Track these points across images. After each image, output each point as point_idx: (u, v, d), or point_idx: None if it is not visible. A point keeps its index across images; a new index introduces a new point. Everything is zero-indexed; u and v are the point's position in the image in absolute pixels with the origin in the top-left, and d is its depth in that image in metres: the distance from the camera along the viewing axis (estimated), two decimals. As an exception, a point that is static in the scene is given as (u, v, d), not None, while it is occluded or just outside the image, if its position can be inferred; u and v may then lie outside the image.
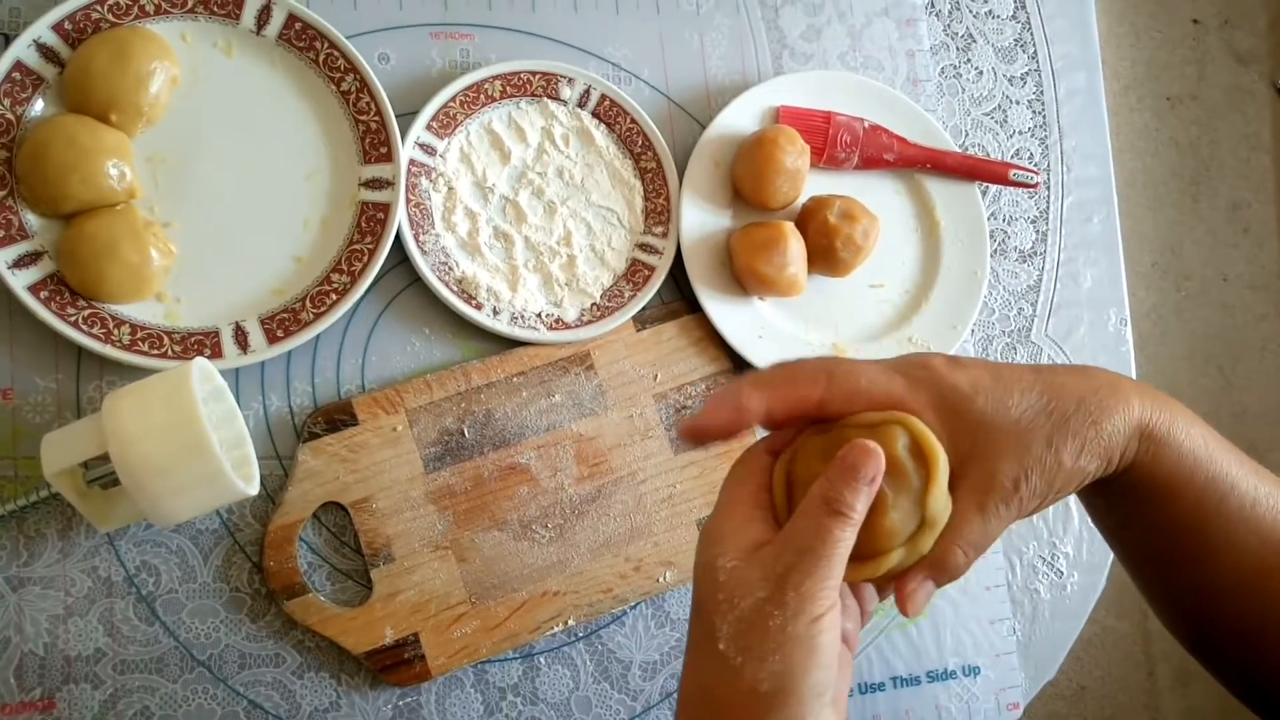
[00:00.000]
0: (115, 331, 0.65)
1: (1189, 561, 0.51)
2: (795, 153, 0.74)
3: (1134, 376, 0.86)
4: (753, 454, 0.49)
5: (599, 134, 0.76)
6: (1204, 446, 0.49)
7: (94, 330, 0.65)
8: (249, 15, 0.70)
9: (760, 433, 0.50)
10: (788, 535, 0.43)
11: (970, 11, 0.87)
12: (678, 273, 0.76)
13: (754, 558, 0.43)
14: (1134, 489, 0.49)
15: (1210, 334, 1.63)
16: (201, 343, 0.67)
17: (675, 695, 0.73)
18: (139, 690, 0.65)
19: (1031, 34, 0.88)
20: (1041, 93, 0.87)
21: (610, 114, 0.76)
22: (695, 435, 0.48)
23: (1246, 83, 1.65)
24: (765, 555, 0.43)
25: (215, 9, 0.69)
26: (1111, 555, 0.82)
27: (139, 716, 0.65)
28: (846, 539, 0.43)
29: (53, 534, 0.65)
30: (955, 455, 0.46)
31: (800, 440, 0.48)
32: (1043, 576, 0.81)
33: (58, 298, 0.65)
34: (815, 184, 0.78)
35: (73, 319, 0.65)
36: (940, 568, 0.46)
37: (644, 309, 0.74)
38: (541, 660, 0.71)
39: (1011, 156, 0.86)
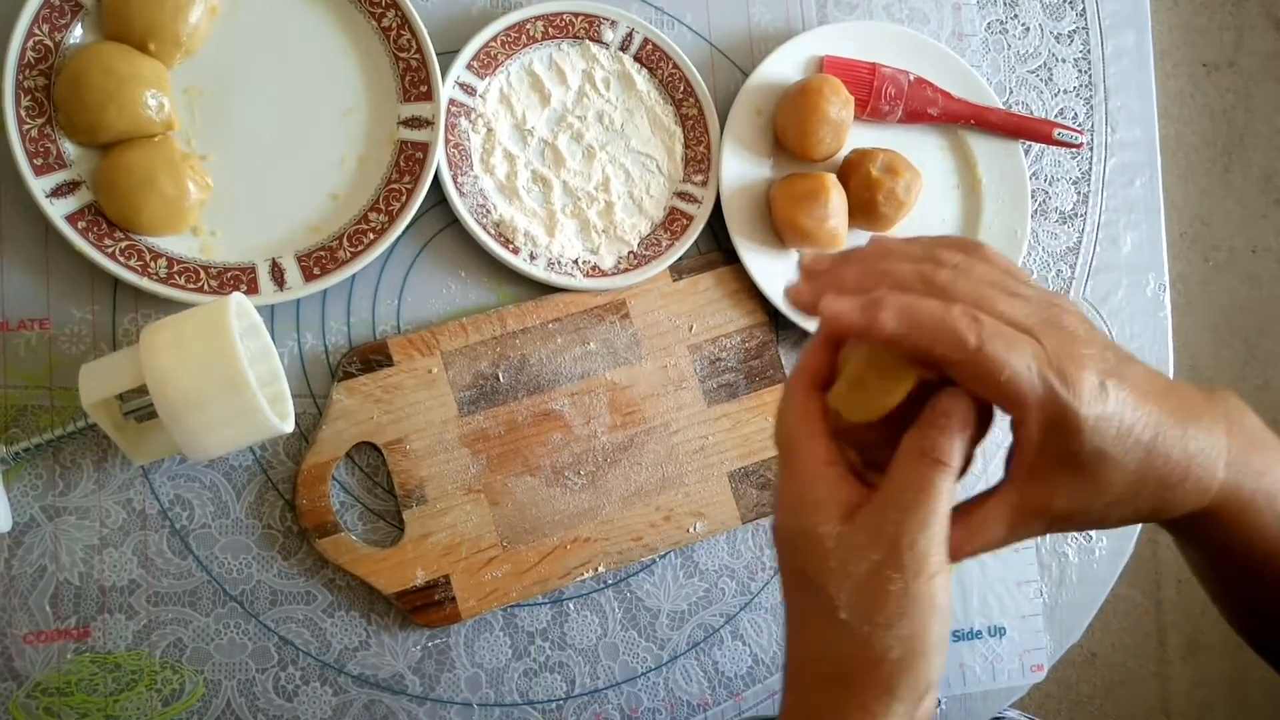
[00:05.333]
0: (152, 264, 0.65)
1: (1252, 592, 0.48)
2: (840, 103, 0.73)
3: (1168, 344, 0.85)
4: (808, 397, 0.45)
5: (640, 79, 0.75)
6: None
7: (131, 262, 0.64)
8: (290, -54, 0.68)
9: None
10: (889, 493, 0.42)
11: (1019, -35, 0.85)
12: (716, 223, 0.75)
13: (856, 520, 0.42)
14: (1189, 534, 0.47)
15: (1236, 305, 1.61)
16: (238, 278, 0.66)
17: (701, 646, 0.73)
18: (172, 622, 0.65)
19: (1080, -10, 0.86)
20: (1088, 51, 0.85)
21: (652, 59, 0.75)
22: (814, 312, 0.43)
23: (1286, 51, 1.62)
24: (868, 516, 0.42)
25: (256, -62, 0.68)
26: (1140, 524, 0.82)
27: (172, 648, 0.65)
28: (949, 490, 0.42)
29: (89, 465, 0.65)
30: (1025, 462, 0.42)
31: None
32: (1071, 540, 0.81)
33: (95, 228, 0.64)
34: (857, 136, 0.77)
35: (110, 250, 0.64)
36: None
37: (681, 258, 0.74)
38: (570, 606, 0.71)
39: (1055, 115, 0.84)
